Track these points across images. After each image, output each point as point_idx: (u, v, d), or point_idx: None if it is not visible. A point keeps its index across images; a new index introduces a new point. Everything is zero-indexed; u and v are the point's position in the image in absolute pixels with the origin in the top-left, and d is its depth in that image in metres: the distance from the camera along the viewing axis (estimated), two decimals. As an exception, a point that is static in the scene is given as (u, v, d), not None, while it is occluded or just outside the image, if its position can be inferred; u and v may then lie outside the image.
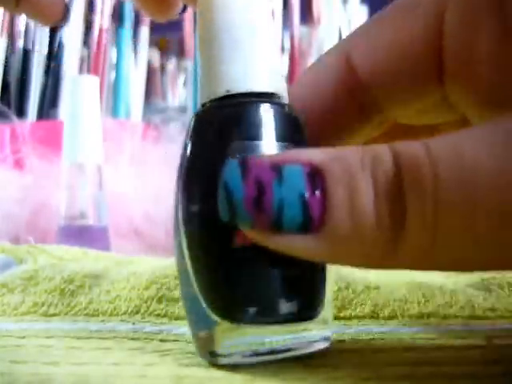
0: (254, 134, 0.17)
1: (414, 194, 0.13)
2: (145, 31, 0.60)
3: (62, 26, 0.55)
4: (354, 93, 0.19)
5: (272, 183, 0.14)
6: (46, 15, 0.21)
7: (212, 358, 0.18)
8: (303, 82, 0.20)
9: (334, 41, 0.66)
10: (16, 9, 0.21)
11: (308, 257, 0.15)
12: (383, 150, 0.14)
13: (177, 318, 0.23)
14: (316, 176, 0.14)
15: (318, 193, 0.14)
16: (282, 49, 0.66)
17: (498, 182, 0.13)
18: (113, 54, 0.60)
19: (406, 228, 0.14)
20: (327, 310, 0.18)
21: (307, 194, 0.14)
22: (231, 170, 0.14)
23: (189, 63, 0.65)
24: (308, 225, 0.14)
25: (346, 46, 0.19)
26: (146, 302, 0.24)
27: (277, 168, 0.14)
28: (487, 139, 0.13)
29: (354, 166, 0.14)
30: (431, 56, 0.17)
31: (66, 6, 0.21)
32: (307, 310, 0.18)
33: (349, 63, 0.18)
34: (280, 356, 0.18)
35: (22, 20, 0.55)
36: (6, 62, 0.54)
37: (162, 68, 0.83)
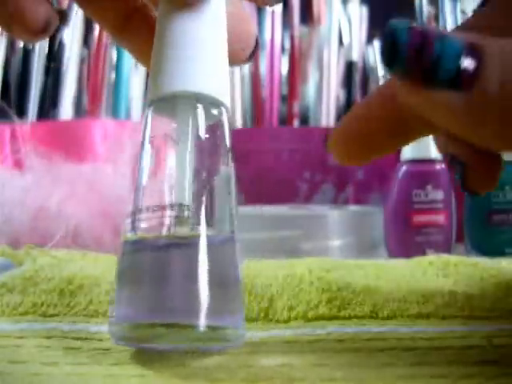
0: None
1: None
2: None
3: (62, 27, 0.55)
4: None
5: (435, 37, 0.15)
6: (28, 30, 0.21)
7: None
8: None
9: (334, 41, 0.66)
10: (7, 27, 0.21)
11: (450, 113, 0.16)
12: None
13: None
14: (473, 47, 0.15)
15: (473, 57, 0.15)
16: (282, 49, 0.66)
17: None
18: (113, 54, 0.60)
19: None
20: None
21: (464, 54, 0.15)
22: (399, 22, 0.16)
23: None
24: (459, 81, 0.15)
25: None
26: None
27: (440, 32, 0.16)
28: None
29: (508, 44, 0.15)
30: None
31: (50, 19, 0.21)
32: None
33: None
34: None
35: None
36: (5, 62, 0.54)
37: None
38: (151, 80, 0.20)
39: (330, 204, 0.56)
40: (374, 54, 0.73)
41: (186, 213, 0.19)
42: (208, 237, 0.19)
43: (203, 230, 0.19)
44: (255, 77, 0.64)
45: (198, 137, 0.19)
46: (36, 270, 0.28)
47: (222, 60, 0.20)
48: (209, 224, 0.19)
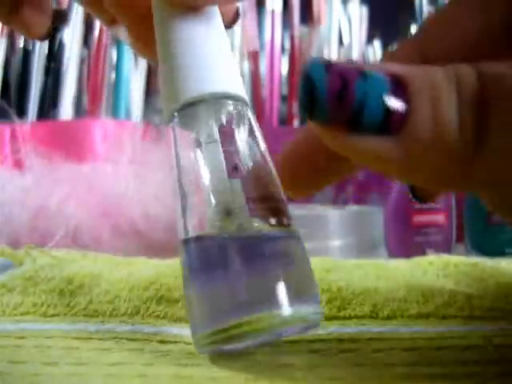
0: None
1: (500, 107, 0.13)
2: (145, 31, 0.60)
3: (62, 27, 0.55)
4: None
5: (355, 79, 0.14)
6: (31, 31, 0.22)
7: None
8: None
9: (334, 41, 0.66)
10: (7, 22, 0.22)
11: (380, 160, 0.14)
12: (466, 67, 0.14)
13: (176, 320, 0.23)
14: (399, 84, 0.14)
15: (400, 97, 0.14)
16: (282, 49, 0.66)
17: None
18: (113, 54, 0.60)
19: (489, 135, 0.13)
20: None
21: (389, 96, 0.14)
22: (315, 65, 0.14)
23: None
24: (387, 125, 0.14)
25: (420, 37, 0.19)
26: (145, 303, 0.24)
27: (361, 70, 0.14)
28: None
29: (438, 77, 0.14)
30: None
31: (53, 21, 0.22)
32: None
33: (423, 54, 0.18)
34: None
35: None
36: (5, 62, 0.54)
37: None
38: (168, 90, 0.20)
39: (330, 204, 0.56)
40: (374, 53, 0.73)
41: (239, 208, 0.19)
42: (270, 227, 0.19)
43: (262, 223, 0.19)
44: (255, 76, 0.64)
45: (228, 134, 0.20)
46: (36, 270, 0.28)
47: (232, 57, 0.20)
48: (268, 217, 0.19)
